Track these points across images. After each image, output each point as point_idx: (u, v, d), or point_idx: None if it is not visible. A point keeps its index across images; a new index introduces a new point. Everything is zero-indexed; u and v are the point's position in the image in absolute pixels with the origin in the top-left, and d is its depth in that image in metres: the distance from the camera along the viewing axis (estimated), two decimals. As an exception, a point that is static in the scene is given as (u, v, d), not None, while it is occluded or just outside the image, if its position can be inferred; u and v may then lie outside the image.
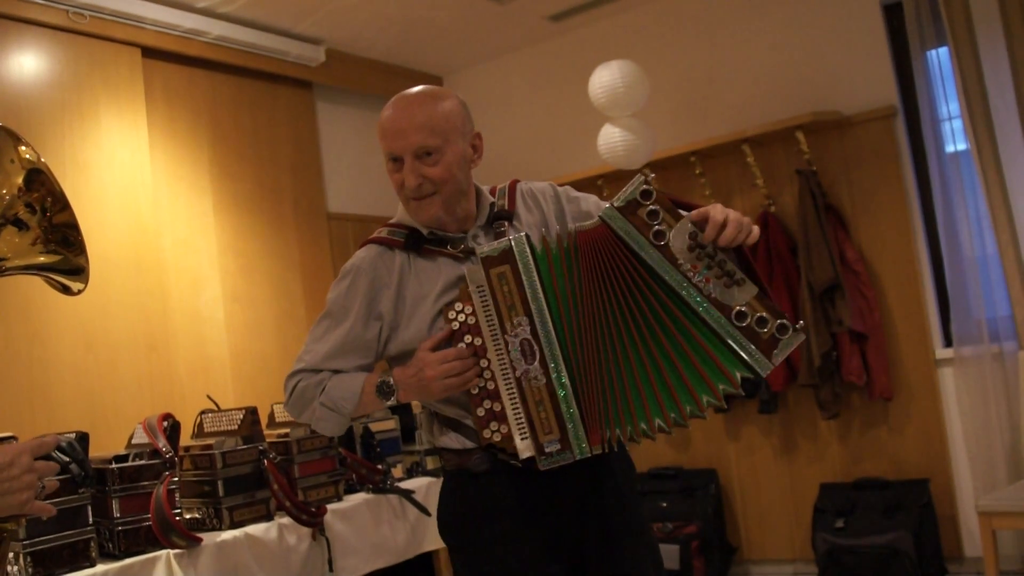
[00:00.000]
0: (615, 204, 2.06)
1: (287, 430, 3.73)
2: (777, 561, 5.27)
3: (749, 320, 1.97)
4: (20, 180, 1.48)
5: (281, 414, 3.95)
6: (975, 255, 4.70)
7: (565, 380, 2.00)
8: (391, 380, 2.16)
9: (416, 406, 4.12)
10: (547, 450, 1.98)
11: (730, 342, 1.98)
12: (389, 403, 2.18)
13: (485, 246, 2.08)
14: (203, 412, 3.71)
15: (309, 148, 5.67)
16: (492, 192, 2.38)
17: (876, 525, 4.56)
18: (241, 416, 3.53)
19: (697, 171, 5.34)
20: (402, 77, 6.26)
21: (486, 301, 2.04)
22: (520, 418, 2.01)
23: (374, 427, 4.03)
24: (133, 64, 4.62)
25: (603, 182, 5.63)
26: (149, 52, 4.71)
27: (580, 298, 2.04)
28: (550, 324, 2.02)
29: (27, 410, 3.92)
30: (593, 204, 2.36)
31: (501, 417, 2.05)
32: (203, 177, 4.96)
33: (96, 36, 4.45)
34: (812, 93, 5.14)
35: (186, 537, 3.03)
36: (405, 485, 3.91)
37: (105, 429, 3.77)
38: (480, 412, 2.08)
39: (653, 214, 2.02)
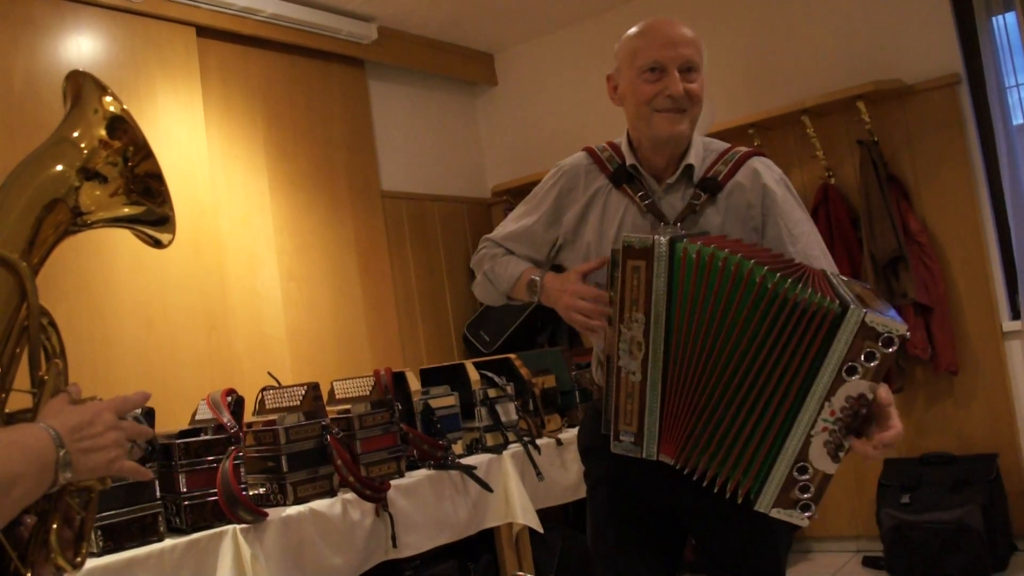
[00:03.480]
0: (865, 314, 1.85)
1: (348, 406, 3.73)
2: (840, 538, 5.20)
3: (804, 478, 1.93)
4: (102, 131, 1.46)
5: (341, 391, 3.94)
6: (1043, 225, 4.60)
7: (658, 389, 1.99)
8: (540, 280, 2.35)
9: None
10: (621, 438, 2.05)
11: (777, 468, 1.93)
12: (534, 299, 2.39)
13: (630, 236, 1.99)
14: (264, 389, 3.71)
15: (362, 126, 5.65)
16: (723, 154, 2.28)
17: (943, 500, 4.47)
18: (303, 392, 3.52)
19: (756, 143, 5.25)
20: (454, 55, 6.23)
21: (613, 288, 2.03)
22: (609, 399, 2.07)
23: (434, 403, 4.01)
24: (188, 43, 4.62)
25: (659, 156, 5.56)
26: (204, 31, 4.71)
27: (710, 319, 1.94)
28: (663, 333, 1.98)
29: (89, 388, 3.89)
30: (803, 234, 2.23)
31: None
32: (259, 156, 4.96)
33: (152, 16, 4.44)
34: (873, 61, 5.03)
35: (253, 511, 3.03)
36: (465, 462, 3.89)
37: (167, 407, 3.77)
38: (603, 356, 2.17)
39: (870, 356, 1.87)
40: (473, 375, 4.24)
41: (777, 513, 1.95)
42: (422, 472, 3.76)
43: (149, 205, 1.50)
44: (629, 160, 2.26)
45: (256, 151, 4.95)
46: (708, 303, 1.93)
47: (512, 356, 4.64)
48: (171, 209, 1.52)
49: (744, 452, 1.95)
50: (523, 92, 6.35)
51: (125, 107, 1.48)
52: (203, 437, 3.16)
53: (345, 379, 3.98)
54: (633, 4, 5.87)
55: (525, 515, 3.97)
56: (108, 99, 1.48)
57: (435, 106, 6.28)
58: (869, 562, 4.78)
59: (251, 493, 3.28)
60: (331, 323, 5.14)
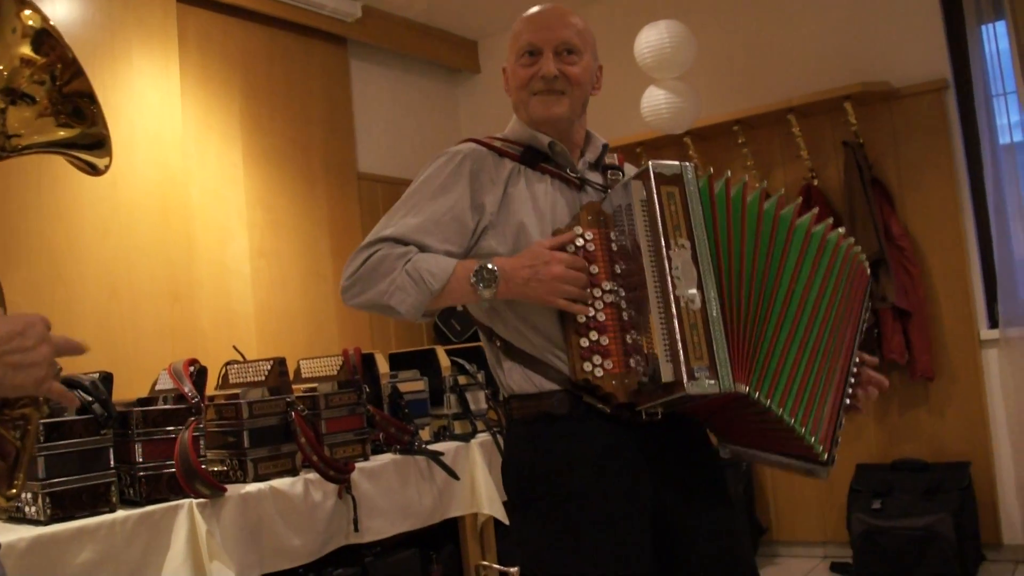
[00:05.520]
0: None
1: (315, 385, 3.62)
2: (808, 543, 5.14)
3: (841, 426, 2.02)
4: (24, 49, 1.32)
5: (308, 370, 3.83)
6: (1026, 235, 4.57)
7: (717, 310, 1.87)
8: (494, 267, 1.93)
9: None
10: (696, 375, 1.82)
11: (842, 415, 2.02)
12: (485, 295, 1.94)
13: (657, 163, 1.94)
14: (228, 363, 3.59)
15: (341, 106, 5.54)
16: (605, 147, 2.30)
17: (915, 507, 4.42)
18: (268, 367, 3.41)
19: (740, 140, 5.19)
20: (438, 40, 6.13)
21: (648, 217, 1.90)
22: (667, 338, 1.84)
23: (403, 387, 3.90)
24: (167, 7, 4.49)
25: (642, 150, 5.48)
26: (183, -5, 4.60)
27: (755, 255, 1.97)
28: (709, 257, 1.90)
29: (48, 355, 3.81)
30: None
31: (606, 353, 1.91)
32: (234, 128, 4.84)
33: (130, -24, 4.33)
34: (861, 63, 4.99)
35: (211, 485, 2.91)
36: (433, 448, 3.78)
37: (126, 376, 3.64)
38: (584, 343, 1.91)
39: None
40: (444, 361, 4.15)
41: (818, 469, 2.00)
42: (387, 456, 3.64)
43: (81, 127, 1.36)
44: (544, 140, 2.13)
45: (231, 123, 4.83)
46: (752, 239, 1.96)
47: (484, 344, 4.54)
48: (106, 129, 1.38)
49: (826, 396, 1.97)
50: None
51: (51, 21, 1.33)
52: (162, 406, 3.04)
53: (312, 358, 3.87)
54: (621, -5, 5.81)
55: (491, 506, 3.86)
56: (27, 12, 1.33)
57: (416, 91, 6.17)
58: (837, 568, 4.72)
59: (211, 470, 3.16)
60: (300, 302, 5.03)
